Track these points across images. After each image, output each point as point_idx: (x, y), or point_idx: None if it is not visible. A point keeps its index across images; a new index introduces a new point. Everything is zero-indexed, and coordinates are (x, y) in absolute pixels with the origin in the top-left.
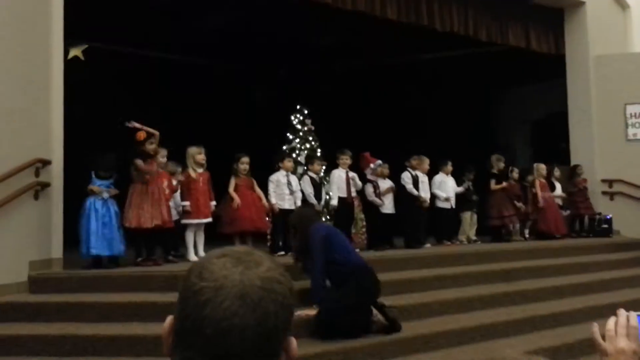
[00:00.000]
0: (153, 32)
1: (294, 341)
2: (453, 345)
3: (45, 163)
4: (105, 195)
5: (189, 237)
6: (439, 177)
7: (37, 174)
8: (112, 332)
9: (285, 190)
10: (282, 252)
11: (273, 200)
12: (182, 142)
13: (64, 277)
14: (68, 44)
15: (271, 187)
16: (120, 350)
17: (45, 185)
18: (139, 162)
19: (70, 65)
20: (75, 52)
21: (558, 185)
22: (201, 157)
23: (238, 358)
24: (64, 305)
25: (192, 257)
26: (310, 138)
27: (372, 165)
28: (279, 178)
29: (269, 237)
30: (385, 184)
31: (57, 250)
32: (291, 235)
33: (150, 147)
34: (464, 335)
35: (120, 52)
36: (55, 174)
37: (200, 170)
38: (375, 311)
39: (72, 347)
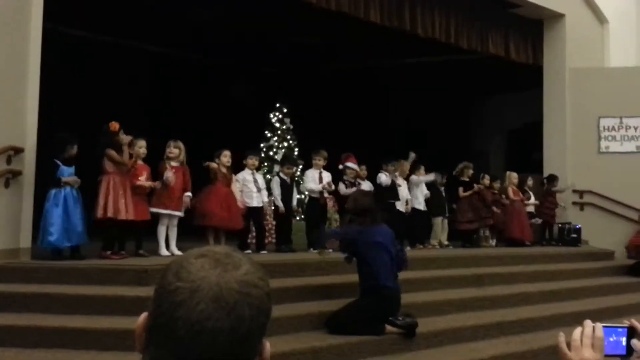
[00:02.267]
0: (135, 24)
1: (267, 345)
2: (421, 347)
3: (18, 151)
4: (76, 184)
5: (161, 230)
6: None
7: (8, 162)
8: (79, 324)
9: (252, 188)
10: (249, 251)
11: (239, 198)
12: (161, 135)
13: (31, 268)
14: None
15: (237, 186)
16: (87, 344)
17: (17, 174)
18: (112, 152)
19: (47, 54)
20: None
21: (532, 194)
22: (173, 151)
23: None
24: (30, 296)
25: (164, 251)
26: (289, 137)
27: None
28: (245, 177)
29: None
30: (365, 185)
31: (25, 239)
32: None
33: (123, 137)
34: (432, 338)
35: (101, 42)
36: (28, 162)
37: (176, 164)
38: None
39: (38, 339)
